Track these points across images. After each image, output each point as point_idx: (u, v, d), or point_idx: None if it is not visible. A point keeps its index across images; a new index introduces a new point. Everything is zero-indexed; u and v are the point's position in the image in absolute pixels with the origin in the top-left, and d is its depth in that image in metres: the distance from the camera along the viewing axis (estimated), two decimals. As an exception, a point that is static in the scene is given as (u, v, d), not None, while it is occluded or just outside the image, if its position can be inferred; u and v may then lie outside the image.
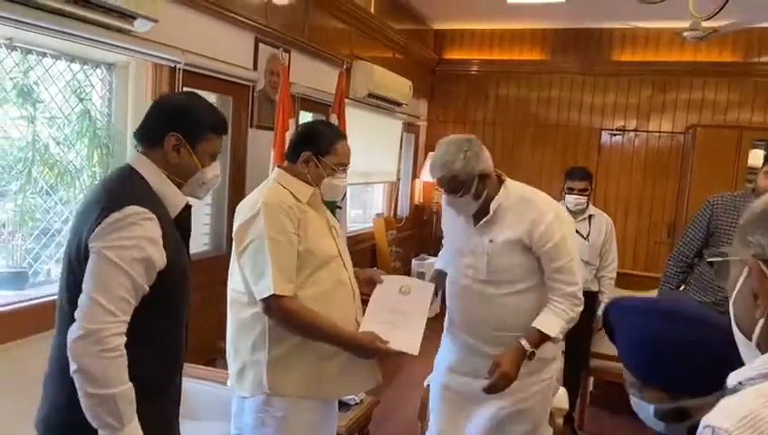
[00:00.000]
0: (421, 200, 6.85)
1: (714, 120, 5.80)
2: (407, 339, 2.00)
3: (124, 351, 1.40)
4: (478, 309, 2.09)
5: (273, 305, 1.88)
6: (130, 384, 1.41)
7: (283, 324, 1.91)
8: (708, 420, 0.78)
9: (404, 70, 5.58)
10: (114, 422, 1.39)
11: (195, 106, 1.63)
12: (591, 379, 3.78)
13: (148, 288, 1.45)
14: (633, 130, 6.10)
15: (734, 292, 0.89)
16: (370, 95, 4.79)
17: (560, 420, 2.19)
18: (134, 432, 1.42)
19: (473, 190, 2.06)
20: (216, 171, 1.68)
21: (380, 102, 5.07)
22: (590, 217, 3.50)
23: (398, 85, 5.23)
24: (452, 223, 2.25)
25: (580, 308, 2.03)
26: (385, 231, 5.63)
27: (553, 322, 2.00)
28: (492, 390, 1.97)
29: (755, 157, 5.30)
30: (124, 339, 1.41)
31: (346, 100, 4.32)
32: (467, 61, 6.73)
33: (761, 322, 0.84)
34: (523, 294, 2.06)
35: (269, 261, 1.88)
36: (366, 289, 2.14)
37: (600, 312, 3.31)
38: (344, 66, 4.20)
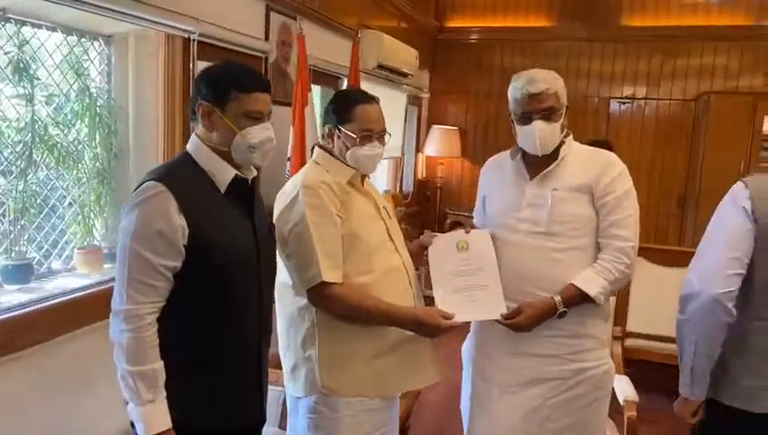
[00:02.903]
0: (424, 175, 6.68)
1: (726, 87, 5.66)
2: (487, 303, 1.85)
3: (150, 332, 1.44)
4: (530, 266, 1.88)
5: (322, 294, 1.73)
6: (154, 365, 1.44)
7: (334, 311, 1.76)
8: None
9: (408, 39, 5.34)
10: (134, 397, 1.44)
11: (218, 69, 1.60)
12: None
13: (179, 264, 1.46)
14: (643, 99, 5.94)
15: None
16: (380, 66, 4.57)
17: (632, 413, 2.01)
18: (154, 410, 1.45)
19: (562, 120, 1.90)
20: (264, 133, 1.56)
21: (389, 74, 4.85)
22: None
23: (406, 55, 5.01)
24: (498, 182, 2.06)
25: (629, 271, 1.86)
26: (394, 208, 5.46)
27: (594, 280, 1.83)
28: (509, 326, 1.83)
29: (772, 124, 5.18)
30: (147, 320, 1.44)
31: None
32: (470, 29, 6.49)
33: None
34: (578, 251, 1.88)
35: (314, 247, 1.71)
36: (422, 262, 1.97)
37: None
38: (358, 35, 3.97)
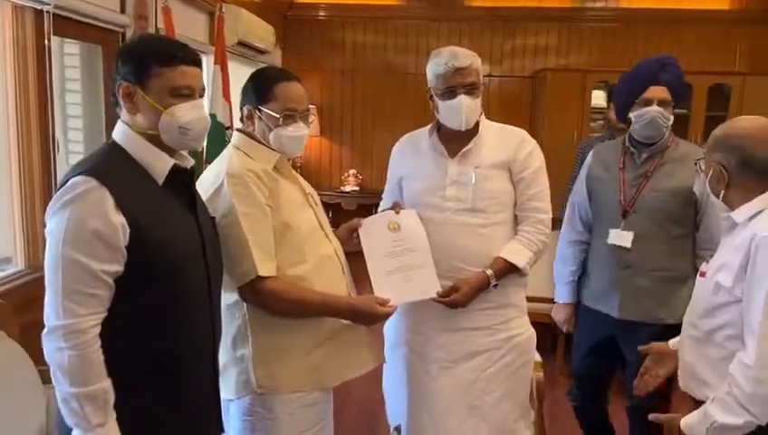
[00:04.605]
0: (282, 155, 6.52)
1: (558, 64, 6.21)
2: (422, 282, 1.86)
3: (94, 347, 1.27)
4: (458, 242, 1.92)
5: (256, 289, 1.63)
6: (102, 384, 1.28)
7: (270, 307, 1.67)
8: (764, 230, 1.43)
9: (259, 15, 5.13)
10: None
11: (135, 42, 1.45)
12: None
13: (121, 267, 1.30)
14: (487, 76, 6.32)
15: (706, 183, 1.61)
16: (240, 43, 4.35)
17: (539, 373, 2.16)
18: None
19: (480, 97, 1.94)
20: (195, 112, 1.41)
21: (247, 51, 4.64)
22: None
23: (263, 31, 4.82)
24: (417, 161, 2.06)
25: (548, 241, 2.00)
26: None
27: (520, 251, 1.93)
28: (446, 303, 1.88)
29: (597, 97, 5.80)
30: (90, 334, 1.27)
31: (213, 48, 3.87)
32: (318, 5, 6.41)
33: (722, 192, 1.56)
34: (501, 225, 1.97)
35: (246, 240, 1.61)
36: (351, 246, 1.93)
37: None
38: (221, 10, 3.73)
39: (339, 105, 6.42)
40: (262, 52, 4.98)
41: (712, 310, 1.52)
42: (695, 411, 1.52)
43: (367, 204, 6.08)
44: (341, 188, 6.37)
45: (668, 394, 2.12)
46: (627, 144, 2.32)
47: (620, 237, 2.24)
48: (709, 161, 1.57)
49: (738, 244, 1.48)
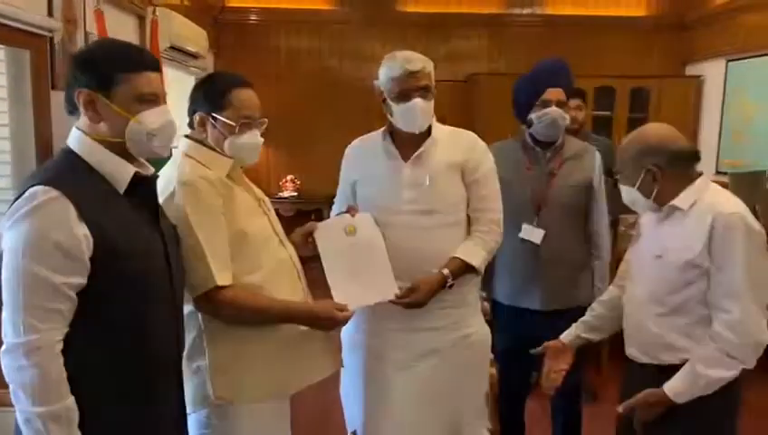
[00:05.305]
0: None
1: (490, 69, 6.38)
2: (381, 285, 1.88)
3: (57, 364, 1.22)
4: (414, 244, 1.94)
5: (214, 299, 1.60)
6: (66, 403, 1.23)
7: (227, 317, 1.64)
8: (724, 210, 1.63)
9: (191, 19, 5.02)
10: None
11: (94, 49, 1.42)
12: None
13: (84, 280, 1.25)
14: (422, 80, 6.41)
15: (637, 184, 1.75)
16: (172, 47, 4.24)
17: (493, 370, 2.21)
18: None
19: (433, 100, 1.97)
20: (163, 117, 1.38)
21: (179, 56, 4.53)
22: None
23: (196, 36, 4.71)
24: (370, 164, 2.07)
25: (500, 239, 2.06)
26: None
27: (475, 251, 1.98)
28: (406, 305, 1.89)
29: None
30: (54, 351, 1.22)
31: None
32: (251, 9, 6.32)
33: (656, 191, 1.72)
34: (455, 226, 2.00)
35: (203, 249, 1.58)
36: (306, 251, 1.92)
37: None
38: (155, 14, 3.62)
39: (275, 110, 6.24)
40: (195, 56, 4.86)
41: (683, 286, 1.67)
42: (676, 378, 1.66)
43: (306, 210, 6.04)
44: (279, 193, 6.30)
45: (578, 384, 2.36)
46: (531, 144, 2.44)
47: (536, 233, 2.37)
48: (637, 169, 1.74)
49: (695, 226, 1.66)
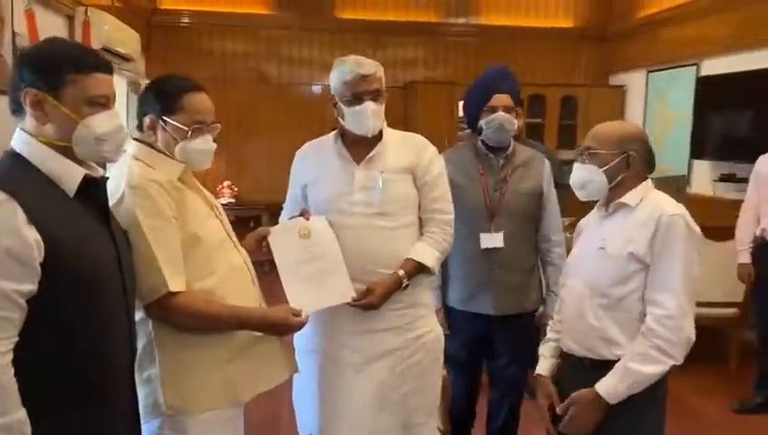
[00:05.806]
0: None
1: (427, 77, 6.49)
2: (336, 288, 1.88)
3: (8, 376, 1.17)
4: (368, 246, 1.96)
5: (166, 305, 1.56)
6: (17, 415, 1.17)
7: (180, 323, 1.60)
8: (668, 210, 1.70)
9: (122, 21, 4.86)
10: None
11: (42, 48, 1.36)
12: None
13: (35, 287, 1.20)
14: (360, 86, 6.44)
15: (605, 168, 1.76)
16: (104, 49, 4.08)
17: (444, 371, 2.24)
18: None
19: (384, 104, 2.00)
20: (112, 121, 1.34)
21: (111, 58, 4.36)
22: None
23: (128, 38, 4.56)
24: (322, 167, 2.07)
25: (452, 240, 2.09)
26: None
27: (428, 252, 2.01)
28: (361, 306, 1.91)
29: (462, 109, 6.16)
30: (3, 361, 1.16)
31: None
32: (183, 12, 6.19)
33: (620, 178, 1.76)
34: (408, 228, 2.02)
35: (154, 254, 1.54)
36: (259, 255, 1.89)
37: None
38: (86, 13, 3.48)
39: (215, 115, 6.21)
40: (127, 59, 4.71)
41: (624, 278, 1.72)
42: (608, 377, 1.69)
43: (243, 216, 5.94)
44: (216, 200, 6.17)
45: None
46: (484, 151, 2.48)
47: (492, 240, 2.41)
48: (616, 151, 1.76)
49: (641, 222, 1.72)
